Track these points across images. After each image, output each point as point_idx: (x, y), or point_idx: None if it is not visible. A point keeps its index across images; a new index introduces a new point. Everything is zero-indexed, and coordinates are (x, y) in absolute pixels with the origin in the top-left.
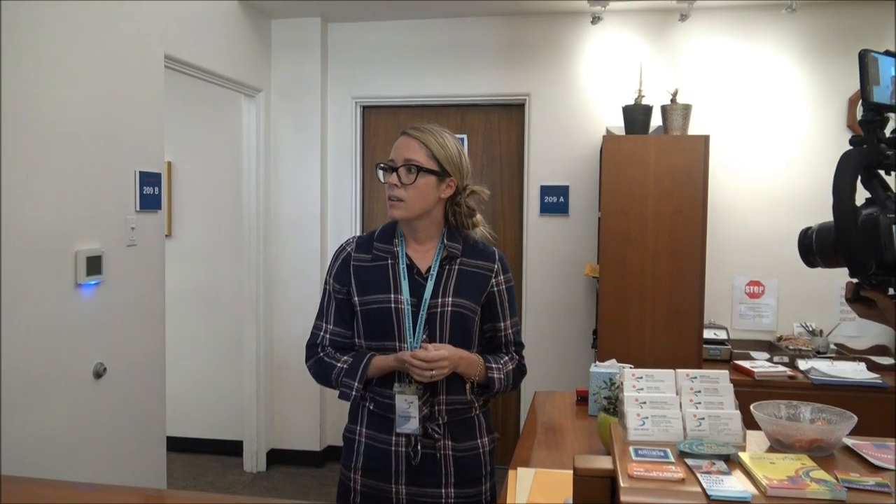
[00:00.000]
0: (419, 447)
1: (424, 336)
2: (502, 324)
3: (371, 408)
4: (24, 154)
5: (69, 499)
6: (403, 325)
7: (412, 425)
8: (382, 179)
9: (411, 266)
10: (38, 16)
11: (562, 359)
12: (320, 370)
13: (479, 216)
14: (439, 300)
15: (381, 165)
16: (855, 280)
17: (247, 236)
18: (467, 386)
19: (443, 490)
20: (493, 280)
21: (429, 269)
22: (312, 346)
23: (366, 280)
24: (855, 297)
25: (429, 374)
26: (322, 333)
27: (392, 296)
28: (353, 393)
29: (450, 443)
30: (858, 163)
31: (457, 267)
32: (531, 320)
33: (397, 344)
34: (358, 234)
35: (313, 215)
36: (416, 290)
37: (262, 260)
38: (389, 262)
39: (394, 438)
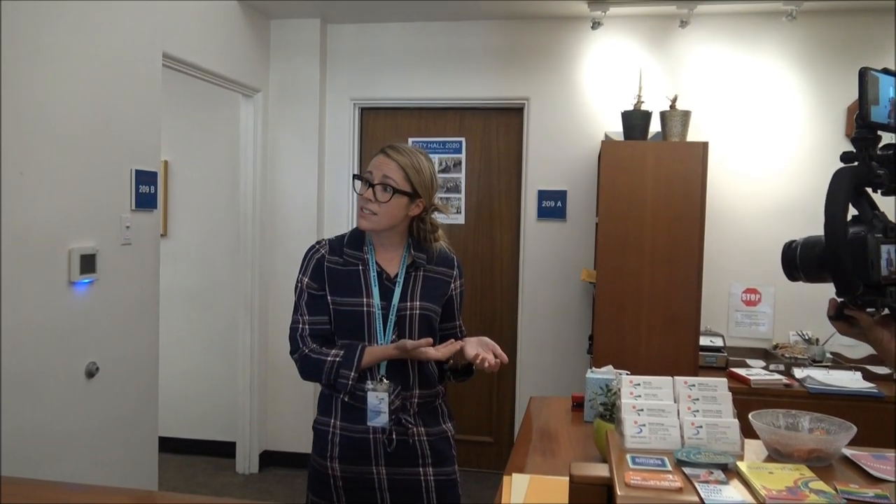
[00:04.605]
0: (394, 436)
1: (394, 336)
2: (457, 322)
3: (346, 399)
4: (19, 151)
5: (59, 499)
6: (374, 326)
7: (382, 420)
8: (358, 191)
9: (381, 272)
10: (35, 13)
11: (557, 364)
12: (308, 365)
13: (440, 231)
14: (408, 304)
15: (357, 176)
16: (840, 298)
17: (242, 237)
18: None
19: (421, 469)
20: (452, 284)
21: (396, 276)
22: (295, 340)
23: (338, 283)
24: (837, 315)
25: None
26: (301, 326)
27: (364, 300)
28: (349, 383)
29: (422, 428)
30: (851, 182)
31: (421, 273)
32: (527, 325)
33: (367, 344)
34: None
35: (310, 216)
36: (385, 294)
37: (258, 261)
38: (360, 267)
39: (371, 427)
